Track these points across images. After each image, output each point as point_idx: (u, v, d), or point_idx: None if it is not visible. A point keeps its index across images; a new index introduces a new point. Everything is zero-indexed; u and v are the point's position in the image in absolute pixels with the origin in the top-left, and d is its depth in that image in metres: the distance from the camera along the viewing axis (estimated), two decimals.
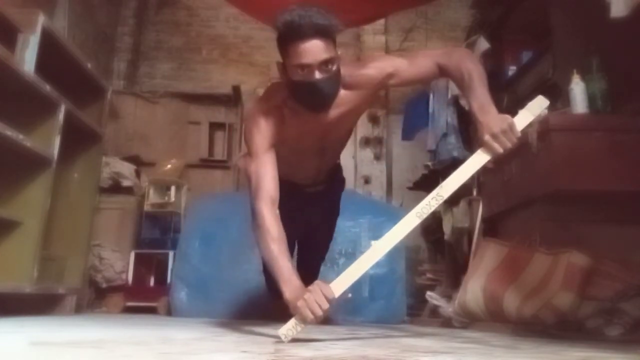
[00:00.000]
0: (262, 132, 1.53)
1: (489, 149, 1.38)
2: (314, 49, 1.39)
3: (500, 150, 1.37)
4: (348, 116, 1.64)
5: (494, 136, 1.36)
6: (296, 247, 2.16)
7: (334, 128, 1.65)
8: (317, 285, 1.28)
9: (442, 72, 1.59)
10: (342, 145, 1.89)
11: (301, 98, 1.50)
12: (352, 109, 1.62)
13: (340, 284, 1.32)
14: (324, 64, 1.41)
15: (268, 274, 1.80)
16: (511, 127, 1.37)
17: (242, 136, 1.68)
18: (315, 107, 1.52)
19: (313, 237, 2.20)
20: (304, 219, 2.01)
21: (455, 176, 1.39)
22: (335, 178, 2.09)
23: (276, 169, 1.53)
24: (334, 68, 1.45)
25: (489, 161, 1.40)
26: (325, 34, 1.40)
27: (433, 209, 1.37)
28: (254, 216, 1.48)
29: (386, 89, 1.65)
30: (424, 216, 1.37)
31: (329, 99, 1.50)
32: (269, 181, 1.49)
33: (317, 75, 1.42)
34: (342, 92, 1.55)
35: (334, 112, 1.57)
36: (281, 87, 1.57)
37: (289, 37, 1.40)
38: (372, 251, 1.36)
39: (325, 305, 1.24)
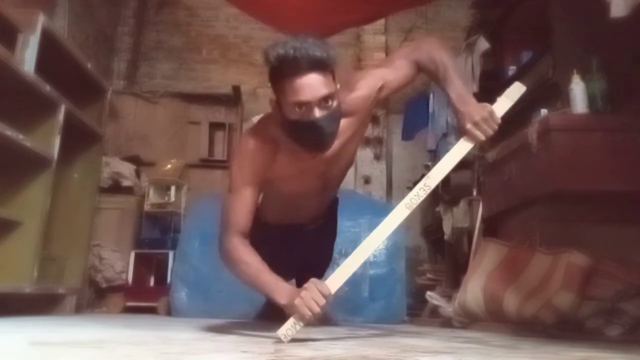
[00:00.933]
0: (247, 168, 1.44)
1: (471, 137, 1.41)
2: (312, 85, 1.27)
3: (483, 137, 1.40)
4: (349, 145, 1.55)
5: (476, 124, 1.39)
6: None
7: (336, 161, 1.55)
8: (312, 282, 1.27)
9: (419, 68, 1.55)
10: (344, 176, 1.76)
11: (300, 138, 1.37)
12: (352, 136, 1.52)
13: (335, 280, 1.33)
14: (324, 100, 1.30)
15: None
16: (491, 114, 1.40)
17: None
18: (316, 148, 1.40)
19: (313, 262, 2.05)
20: (303, 253, 1.92)
21: (440, 166, 1.42)
22: (333, 207, 2.00)
23: (253, 206, 1.45)
24: (334, 104, 1.33)
25: (473, 147, 1.43)
26: (324, 67, 1.29)
27: (422, 199, 1.38)
28: (223, 251, 1.44)
29: (378, 101, 1.60)
30: (413, 207, 1.37)
31: (331, 137, 1.37)
32: (242, 216, 1.43)
33: (317, 113, 1.30)
34: (341, 121, 1.43)
35: (334, 145, 1.43)
36: (274, 120, 1.44)
37: (284, 72, 1.28)
38: (364, 245, 1.36)
39: (322, 301, 1.24)
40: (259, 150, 1.44)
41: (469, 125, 1.40)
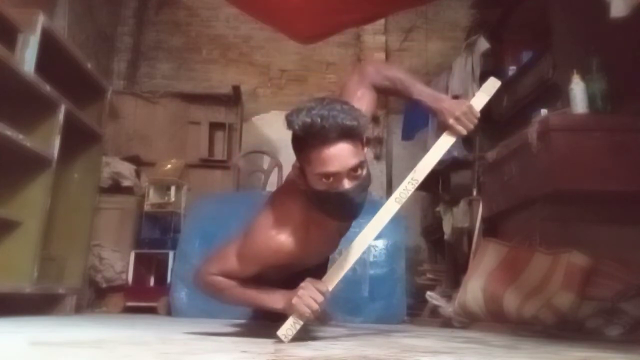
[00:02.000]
0: (265, 257, 1.34)
1: (454, 131, 1.45)
2: (341, 155, 1.18)
3: (465, 131, 1.44)
4: None
5: (457, 119, 1.43)
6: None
7: (345, 228, 1.52)
8: (308, 281, 1.27)
9: (376, 90, 1.50)
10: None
11: (327, 209, 1.28)
12: None
13: (331, 278, 1.34)
14: (353, 170, 1.21)
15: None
16: (470, 108, 1.45)
17: (242, 245, 1.39)
18: (345, 219, 1.35)
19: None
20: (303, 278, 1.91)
21: (426, 160, 1.48)
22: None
23: (246, 277, 1.39)
24: (364, 172, 1.25)
25: (456, 141, 1.48)
26: (354, 136, 1.20)
27: (410, 192, 1.43)
28: (203, 284, 1.40)
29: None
30: (403, 201, 1.41)
31: (361, 207, 1.29)
32: (235, 277, 1.38)
33: (347, 184, 1.21)
34: None
35: None
36: (298, 193, 1.34)
37: (309, 142, 1.18)
38: (358, 241, 1.37)
39: (320, 299, 1.24)
40: (287, 246, 1.33)
41: (451, 121, 1.43)
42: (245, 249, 1.36)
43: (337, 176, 1.20)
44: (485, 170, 2.75)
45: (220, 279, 1.39)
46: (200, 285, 1.44)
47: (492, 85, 1.55)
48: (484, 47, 3.27)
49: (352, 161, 1.20)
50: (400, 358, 0.96)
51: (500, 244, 2.22)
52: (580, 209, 2.07)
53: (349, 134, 1.19)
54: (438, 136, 1.50)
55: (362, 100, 1.46)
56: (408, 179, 1.43)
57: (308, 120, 1.16)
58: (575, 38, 2.43)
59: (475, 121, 1.45)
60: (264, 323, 1.97)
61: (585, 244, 1.86)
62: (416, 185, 1.43)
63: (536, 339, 1.58)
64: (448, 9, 4.79)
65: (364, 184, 1.26)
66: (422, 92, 1.47)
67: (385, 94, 1.56)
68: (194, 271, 1.47)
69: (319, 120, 1.15)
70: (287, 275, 1.53)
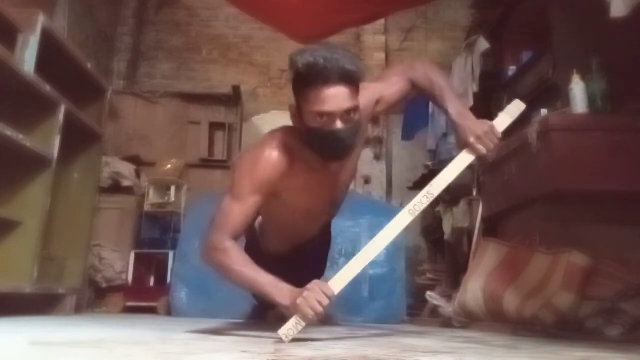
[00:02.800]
0: (255, 175, 1.41)
1: (473, 150, 1.45)
2: (338, 97, 1.27)
3: (484, 151, 1.44)
4: (352, 156, 1.54)
5: (478, 138, 1.43)
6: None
7: (343, 172, 1.57)
8: (315, 283, 1.27)
9: (414, 86, 1.58)
10: (348, 189, 1.77)
11: (318, 146, 1.37)
12: (357, 149, 1.53)
13: (338, 282, 1.33)
14: (347, 113, 1.30)
15: (258, 299, 1.74)
16: (492, 129, 1.45)
17: (232, 171, 1.52)
18: (334, 158, 1.41)
19: (310, 274, 2.07)
20: (302, 270, 1.92)
21: (443, 175, 1.47)
22: (318, 246, 1.97)
23: (252, 217, 1.43)
24: (357, 117, 1.34)
25: (474, 160, 1.49)
26: (352, 80, 1.29)
27: (424, 206, 1.43)
28: (212, 252, 1.39)
29: (374, 115, 1.63)
30: (417, 214, 1.42)
31: (349, 149, 1.39)
32: (241, 223, 1.40)
33: (339, 124, 1.30)
34: None
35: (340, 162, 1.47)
36: (291, 130, 1.45)
37: (311, 80, 1.27)
38: (368, 249, 1.37)
39: (325, 302, 1.24)
40: (274, 158, 1.41)
41: (472, 139, 1.43)
42: (244, 172, 1.42)
43: (331, 116, 1.29)
44: (485, 170, 2.75)
45: (231, 246, 1.37)
46: (209, 258, 1.42)
47: (517, 107, 1.54)
48: (484, 47, 3.27)
49: (348, 104, 1.29)
50: (400, 358, 0.96)
51: (500, 244, 2.22)
52: (580, 209, 2.07)
53: (348, 77, 1.27)
54: (458, 152, 1.51)
55: (393, 87, 1.55)
56: (424, 192, 1.44)
57: (312, 60, 1.25)
58: (575, 38, 2.43)
59: (497, 142, 1.46)
60: (263, 322, 1.98)
61: (585, 244, 1.86)
62: (431, 199, 1.43)
63: (536, 339, 1.58)
64: (448, 9, 4.79)
65: (355, 128, 1.34)
66: (454, 105, 1.49)
67: (423, 92, 1.59)
68: (202, 243, 1.45)
69: (321, 61, 1.24)
70: (290, 235, 1.62)
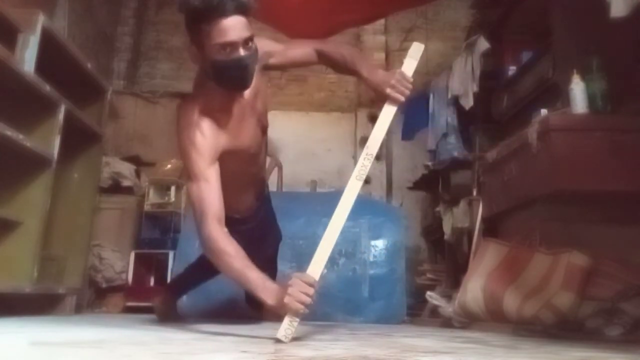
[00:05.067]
0: (199, 148, 1.46)
1: (393, 100, 1.56)
2: (237, 26, 1.37)
3: (402, 98, 1.56)
4: (258, 91, 1.64)
5: (393, 87, 1.55)
6: None
7: (255, 104, 1.64)
8: (295, 277, 1.29)
9: (321, 56, 1.70)
10: (266, 139, 1.84)
11: (227, 77, 1.45)
12: (256, 83, 1.59)
13: (315, 267, 1.35)
14: (246, 42, 1.40)
15: (248, 295, 1.75)
16: (402, 75, 1.57)
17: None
18: (242, 85, 1.49)
19: (268, 249, 2.17)
20: (269, 251, 2.08)
21: (375, 133, 1.54)
22: (267, 193, 2.08)
23: (219, 185, 1.46)
24: (254, 45, 1.44)
25: (397, 109, 1.58)
26: (246, 11, 1.39)
27: (368, 168, 1.49)
28: (204, 242, 1.42)
29: (271, 69, 1.75)
30: (363, 177, 1.47)
31: (252, 74, 1.48)
32: (213, 200, 1.43)
33: (242, 52, 1.40)
34: None
35: (249, 91, 1.57)
36: (195, 95, 1.55)
37: (210, 15, 1.35)
38: (332, 225, 1.40)
39: (311, 291, 1.26)
40: (202, 125, 1.47)
41: (388, 90, 1.55)
42: (187, 150, 1.47)
43: (234, 45, 1.38)
44: (485, 170, 2.75)
45: (218, 233, 1.38)
46: (204, 249, 1.45)
47: (418, 49, 1.66)
48: (484, 47, 3.27)
49: (247, 32, 1.39)
50: (400, 358, 0.96)
51: (500, 244, 2.22)
52: (580, 209, 2.07)
53: (242, 8, 1.37)
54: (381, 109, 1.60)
55: (292, 50, 1.72)
56: (363, 155, 1.50)
57: None
58: (575, 38, 2.43)
59: (410, 86, 1.56)
60: (263, 323, 1.98)
61: (585, 244, 1.86)
62: (371, 159, 1.50)
63: (536, 339, 1.58)
64: (448, 9, 4.79)
65: (255, 55, 1.45)
66: (363, 66, 1.62)
67: (332, 62, 1.72)
68: (198, 233, 1.47)
69: None
70: (244, 185, 1.73)
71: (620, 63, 2.18)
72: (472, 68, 3.35)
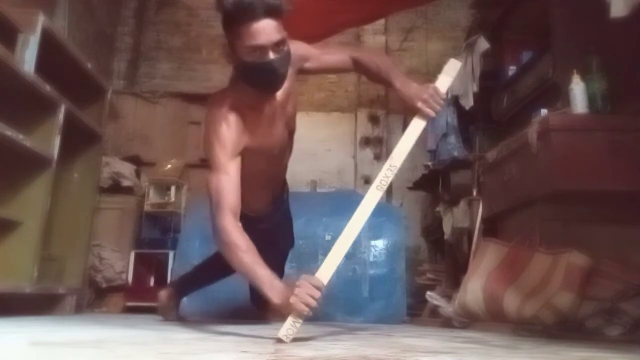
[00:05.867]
0: (223, 141, 1.48)
1: (423, 114, 1.55)
2: (267, 30, 1.37)
3: (433, 113, 1.54)
4: (290, 94, 1.65)
5: (425, 101, 1.54)
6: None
7: (286, 107, 1.65)
8: (303, 278, 1.28)
9: (356, 63, 1.71)
10: (295, 127, 1.84)
11: (255, 80, 1.47)
12: (289, 86, 1.61)
13: (324, 271, 1.35)
14: (277, 45, 1.41)
15: (253, 290, 1.76)
16: (435, 90, 1.56)
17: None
18: (271, 87, 1.50)
19: (279, 253, 2.16)
20: (283, 247, 2.08)
21: (401, 145, 1.53)
22: (286, 197, 2.10)
23: (238, 179, 1.48)
24: (286, 48, 1.44)
25: (427, 123, 1.56)
26: (277, 13, 1.39)
27: (390, 179, 1.48)
28: (217, 233, 1.43)
29: (306, 73, 1.76)
30: (384, 188, 1.47)
31: (283, 77, 1.49)
32: (230, 193, 1.45)
33: (271, 55, 1.41)
34: None
35: (281, 93, 1.58)
36: (227, 90, 1.59)
37: (240, 18, 1.37)
38: (347, 232, 1.39)
39: (317, 295, 1.25)
40: (229, 119, 1.50)
41: (419, 104, 1.54)
42: (212, 143, 1.49)
43: (263, 48, 1.39)
44: (485, 170, 2.75)
45: (232, 227, 1.40)
46: (216, 240, 1.46)
47: (453, 66, 1.62)
48: (484, 47, 3.27)
49: (276, 36, 1.39)
50: (400, 358, 0.96)
51: (500, 244, 2.22)
52: (580, 209, 2.07)
53: (273, 11, 1.37)
54: (409, 122, 1.59)
55: (329, 55, 1.72)
56: (386, 165, 1.50)
57: None
58: (575, 38, 2.43)
59: (442, 102, 1.55)
60: (263, 323, 1.98)
61: (585, 244, 1.85)
62: (395, 171, 1.49)
63: (536, 339, 1.58)
64: (448, 9, 4.78)
65: (286, 58, 1.45)
66: (397, 77, 1.63)
67: (366, 72, 1.72)
68: (211, 224, 1.48)
69: None
70: (262, 183, 1.73)
71: (620, 63, 2.18)
72: (472, 68, 3.35)
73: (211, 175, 1.49)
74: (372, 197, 1.45)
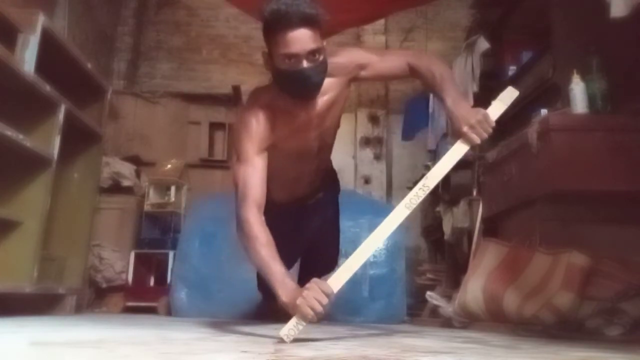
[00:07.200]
0: (252, 135, 1.51)
1: (467, 139, 1.45)
2: (302, 39, 1.39)
3: (478, 140, 1.44)
4: (333, 106, 1.64)
5: (472, 127, 1.44)
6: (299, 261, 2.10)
7: (323, 119, 1.64)
8: (314, 282, 1.28)
9: (413, 71, 1.64)
10: (333, 140, 1.84)
11: (288, 87, 1.49)
12: (334, 97, 1.61)
13: (337, 280, 1.33)
14: (312, 54, 1.41)
15: (261, 279, 1.76)
16: (486, 117, 1.45)
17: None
18: (303, 95, 1.51)
19: (319, 248, 2.14)
20: (306, 235, 1.99)
21: (438, 167, 1.46)
22: (330, 182, 2.07)
23: (265, 173, 1.50)
24: (321, 58, 1.44)
25: (470, 149, 1.47)
26: (313, 23, 1.39)
27: (421, 199, 1.42)
28: (240, 224, 1.45)
29: (360, 81, 1.70)
30: (413, 207, 1.41)
31: (316, 87, 1.49)
32: (256, 186, 1.47)
33: (305, 64, 1.41)
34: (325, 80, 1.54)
35: (320, 100, 1.57)
36: (266, 88, 1.59)
37: (276, 26, 1.39)
38: (366, 245, 1.38)
39: (325, 301, 1.24)
40: (260, 116, 1.52)
41: (465, 128, 1.44)
42: (240, 136, 1.52)
43: (297, 57, 1.40)
44: (485, 170, 2.75)
45: (254, 219, 1.41)
46: (238, 231, 1.47)
47: (510, 94, 1.53)
48: (484, 47, 3.27)
49: (311, 45, 1.40)
50: (400, 358, 0.96)
51: (500, 244, 2.22)
52: (580, 209, 2.07)
53: (309, 20, 1.38)
54: (453, 141, 1.50)
55: (383, 62, 1.66)
56: (420, 185, 1.42)
57: (275, 7, 1.38)
58: (575, 38, 2.43)
59: (490, 130, 1.45)
60: (264, 323, 1.98)
61: (585, 244, 1.85)
62: (427, 192, 1.42)
63: (536, 339, 1.58)
64: (448, 9, 4.79)
65: (321, 67, 1.45)
66: (450, 93, 1.52)
67: (422, 80, 1.65)
68: (235, 216, 1.49)
69: (284, 7, 1.37)
70: (288, 182, 1.75)
71: (620, 63, 2.18)
72: (472, 68, 3.36)
73: (238, 166, 1.51)
74: (399, 214, 1.40)
